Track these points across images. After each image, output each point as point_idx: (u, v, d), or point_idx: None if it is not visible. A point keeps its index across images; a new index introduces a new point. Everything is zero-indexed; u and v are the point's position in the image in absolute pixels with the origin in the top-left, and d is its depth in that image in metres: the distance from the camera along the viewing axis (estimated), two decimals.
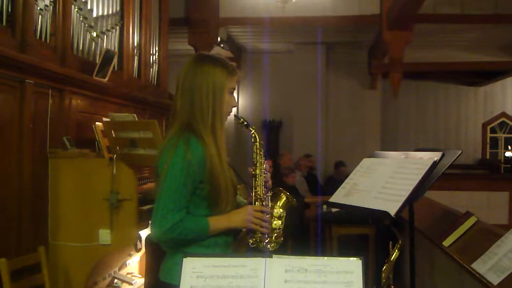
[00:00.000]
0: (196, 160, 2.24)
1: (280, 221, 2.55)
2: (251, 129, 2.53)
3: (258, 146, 2.54)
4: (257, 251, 2.48)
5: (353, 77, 11.97)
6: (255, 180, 2.50)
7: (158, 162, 2.31)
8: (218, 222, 2.34)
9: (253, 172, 2.51)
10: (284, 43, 11.61)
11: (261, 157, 2.53)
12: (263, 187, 2.50)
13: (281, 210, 2.57)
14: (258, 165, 2.52)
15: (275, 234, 2.51)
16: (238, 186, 2.52)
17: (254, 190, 2.50)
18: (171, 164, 2.23)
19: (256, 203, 2.48)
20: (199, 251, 2.31)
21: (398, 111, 14.01)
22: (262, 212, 2.43)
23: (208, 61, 2.40)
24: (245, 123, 2.51)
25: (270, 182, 2.56)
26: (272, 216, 2.51)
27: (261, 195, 2.49)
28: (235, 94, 2.52)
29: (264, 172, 2.52)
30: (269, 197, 2.53)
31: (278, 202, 2.58)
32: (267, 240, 2.47)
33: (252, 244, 2.45)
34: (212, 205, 2.33)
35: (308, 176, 9.36)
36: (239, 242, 2.50)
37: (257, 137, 2.54)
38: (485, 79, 13.81)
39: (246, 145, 2.75)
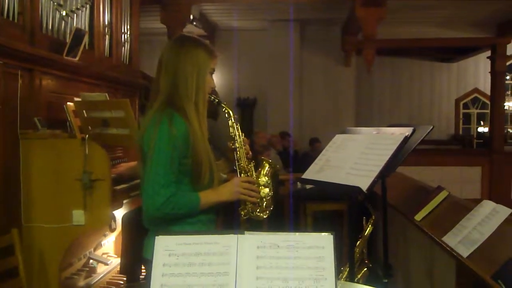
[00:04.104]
0: (181, 134, 2.29)
1: (267, 189, 2.62)
2: (223, 105, 2.60)
3: (233, 120, 2.60)
4: (251, 222, 2.59)
5: (327, 54, 11.98)
6: (237, 153, 2.58)
7: (142, 140, 2.35)
8: (207, 197, 2.39)
9: (232, 146, 2.59)
10: (257, 21, 11.55)
11: (238, 130, 2.61)
12: (245, 158, 2.57)
13: (266, 178, 2.64)
14: (236, 138, 2.59)
15: (265, 203, 2.59)
16: (217, 161, 2.56)
17: (237, 163, 2.58)
18: (157, 140, 2.27)
19: (242, 175, 2.56)
20: (184, 228, 2.35)
21: (372, 87, 14.08)
22: (249, 182, 2.51)
23: (190, 42, 2.46)
24: (216, 100, 2.57)
25: (250, 153, 2.64)
26: (259, 185, 2.58)
27: (245, 166, 2.57)
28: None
29: (243, 144, 2.60)
30: (253, 167, 2.60)
31: (262, 171, 2.65)
32: (258, 209, 2.53)
33: (244, 215, 2.55)
34: (194, 180, 2.37)
35: (283, 152, 9.38)
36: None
37: (230, 112, 2.61)
38: (458, 55, 13.92)
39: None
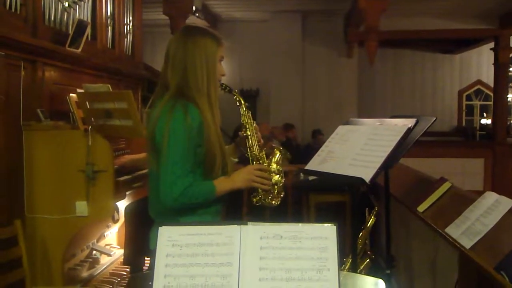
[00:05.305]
0: (196, 124, 2.30)
1: (278, 176, 2.67)
2: (234, 93, 2.64)
3: (244, 108, 2.65)
4: (262, 209, 2.66)
5: (329, 45, 11.96)
6: (249, 141, 2.62)
7: (154, 130, 2.35)
8: (222, 184, 2.43)
9: (244, 134, 2.62)
10: (259, 12, 11.54)
11: (250, 118, 2.65)
12: (257, 146, 2.57)
13: (278, 166, 2.65)
14: (248, 126, 2.64)
15: (276, 190, 2.64)
16: (227, 146, 2.58)
17: (249, 151, 2.62)
18: (172, 130, 2.27)
19: (254, 162, 2.58)
20: (192, 219, 2.38)
21: (374, 79, 14.04)
22: (261, 170, 2.54)
23: (198, 32, 2.47)
24: (228, 88, 2.61)
25: (262, 141, 2.67)
26: (270, 172, 2.62)
27: (257, 154, 2.60)
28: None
29: (255, 132, 2.64)
30: (264, 155, 2.63)
31: (273, 159, 2.67)
32: (270, 197, 2.56)
33: (256, 202, 2.61)
34: (207, 170, 2.40)
35: (286, 143, 9.39)
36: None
37: (241, 100, 2.66)
38: (460, 46, 13.87)
39: None
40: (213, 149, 2.35)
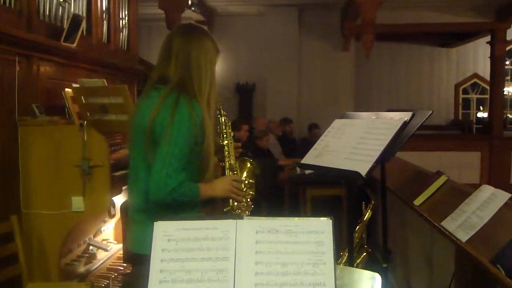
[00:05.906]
0: (199, 121, 2.27)
1: (249, 189, 2.69)
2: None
3: (224, 118, 2.66)
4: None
5: (326, 39, 11.93)
6: (225, 151, 2.61)
7: (153, 121, 2.28)
8: (205, 190, 2.38)
9: (221, 143, 2.62)
10: (256, 6, 11.50)
11: (229, 128, 2.65)
12: (233, 156, 2.57)
13: (249, 178, 2.66)
14: (226, 136, 2.63)
15: (245, 203, 2.64)
16: None
17: (226, 160, 2.61)
18: (177, 122, 2.23)
19: (230, 172, 2.59)
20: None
21: (371, 72, 14.04)
22: (237, 181, 2.53)
23: (204, 34, 2.46)
24: None
25: (238, 152, 2.69)
26: (243, 183, 2.64)
27: (233, 164, 2.60)
28: None
29: (232, 142, 2.65)
30: (238, 165, 2.64)
31: (245, 171, 2.66)
32: (240, 208, 2.58)
33: (227, 212, 2.57)
34: (201, 170, 2.37)
35: (282, 138, 9.40)
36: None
37: (221, 110, 2.66)
38: (457, 40, 13.87)
39: None
40: (209, 149, 2.33)
